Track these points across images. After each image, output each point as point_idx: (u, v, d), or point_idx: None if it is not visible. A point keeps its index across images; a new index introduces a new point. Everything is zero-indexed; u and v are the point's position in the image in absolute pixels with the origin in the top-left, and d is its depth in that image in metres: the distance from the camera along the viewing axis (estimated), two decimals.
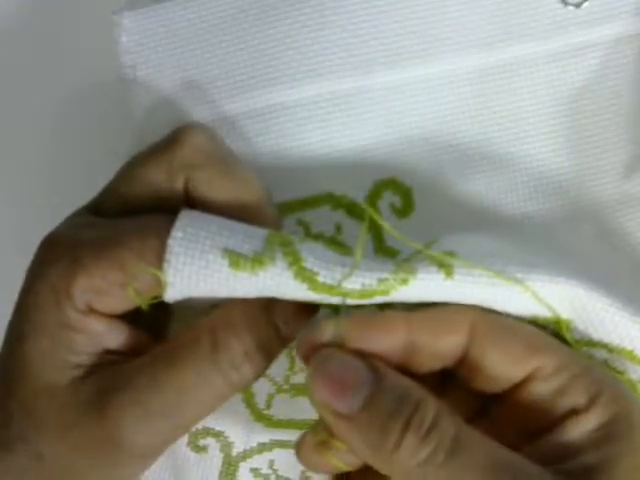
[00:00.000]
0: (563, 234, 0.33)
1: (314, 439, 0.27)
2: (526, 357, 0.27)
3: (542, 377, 0.26)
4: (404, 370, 0.27)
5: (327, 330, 0.26)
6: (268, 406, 0.34)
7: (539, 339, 0.28)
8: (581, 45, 0.33)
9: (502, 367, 0.27)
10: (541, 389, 0.27)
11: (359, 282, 0.27)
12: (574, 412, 0.26)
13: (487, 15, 0.33)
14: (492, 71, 0.33)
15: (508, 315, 0.28)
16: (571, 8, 0.33)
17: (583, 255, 0.33)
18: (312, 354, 0.26)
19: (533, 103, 0.34)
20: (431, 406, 0.25)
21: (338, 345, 0.26)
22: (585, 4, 0.33)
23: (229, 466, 0.34)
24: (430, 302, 0.28)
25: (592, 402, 0.26)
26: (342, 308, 0.27)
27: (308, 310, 0.29)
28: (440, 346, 0.27)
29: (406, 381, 0.26)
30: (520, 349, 0.27)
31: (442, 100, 0.34)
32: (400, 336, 0.26)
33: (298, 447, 0.28)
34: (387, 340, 0.26)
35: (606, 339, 0.29)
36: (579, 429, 0.26)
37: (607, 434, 0.26)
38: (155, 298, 0.28)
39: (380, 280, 0.27)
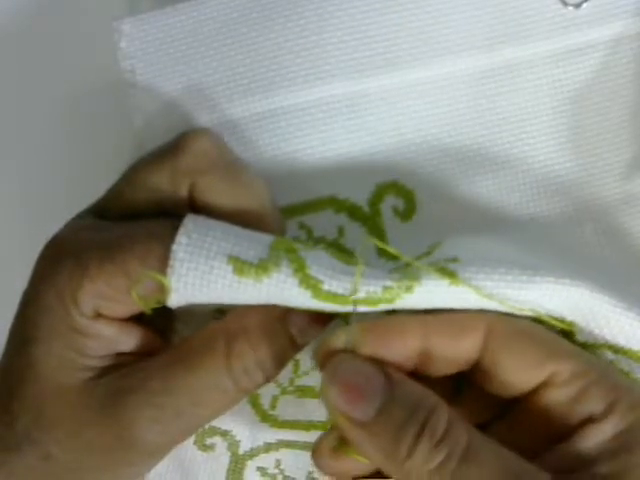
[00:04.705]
0: (567, 234, 0.33)
1: (328, 444, 0.27)
2: (541, 363, 0.26)
3: (558, 383, 0.26)
4: (419, 374, 0.27)
5: (341, 336, 0.26)
6: (273, 407, 0.34)
7: (556, 344, 0.27)
8: (582, 45, 0.33)
9: (517, 372, 0.26)
10: (557, 395, 0.26)
11: (364, 290, 0.27)
12: (590, 420, 0.26)
13: (487, 17, 0.33)
14: (493, 72, 0.33)
15: (525, 318, 0.28)
16: (571, 9, 0.33)
17: (587, 255, 0.33)
18: (327, 360, 0.26)
19: (534, 104, 0.33)
20: (444, 413, 0.25)
21: (352, 351, 0.26)
22: (585, 4, 0.33)
23: (236, 464, 0.34)
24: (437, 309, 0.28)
25: (609, 410, 0.26)
26: (353, 316, 0.27)
27: (323, 319, 0.29)
28: (456, 350, 0.27)
29: (419, 388, 0.26)
30: (536, 354, 0.27)
31: (443, 102, 0.33)
32: (415, 341, 0.26)
33: (314, 452, 0.28)
34: (401, 346, 0.26)
35: (612, 340, 0.29)
36: (595, 437, 0.26)
37: (623, 443, 0.25)
38: (159, 302, 0.28)
39: (385, 288, 0.27)
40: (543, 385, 0.26)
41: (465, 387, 0.29)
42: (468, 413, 0.27)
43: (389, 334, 0.27)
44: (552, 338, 0.28)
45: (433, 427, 0.25)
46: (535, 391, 0.27)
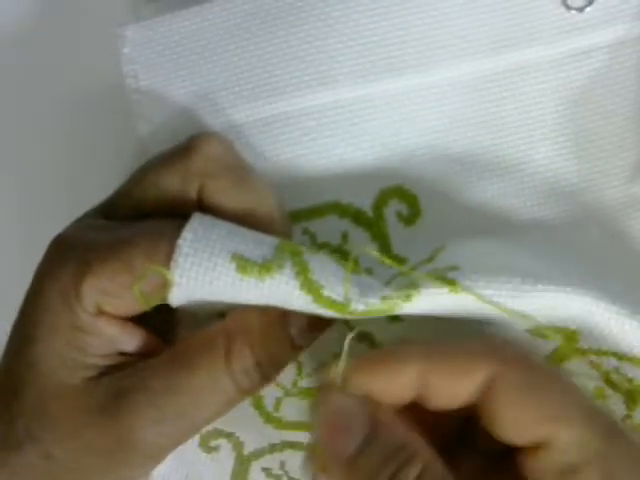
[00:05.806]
0: (572, 238, 0.33)
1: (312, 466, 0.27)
2: (539, 423, 0.25)
3: (553, 449, 0.25)
4: (418, 406, 0.26)
5: (335, 370, 0.26)
6: (277, 409, 0.34)
7: (565, 404, 0.26)
8: (585, 49, 0.33)
9: (512, 426, 0.25)
10: (549, 462, 0.25)
11: (363, 302, 0.27)
12: None
13: (490, 21, 0.33)
14: (497, 77, 0.33)
15: (544, 365, 0.27)
16: (574, 12, 0.33)
17: (591, 260, 0.32)
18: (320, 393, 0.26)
19: (539, 108, 0.33)
20: (419, 463, 0.25)
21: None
22: (587, 8, 0.33)
23: (241, 465, 0.34)
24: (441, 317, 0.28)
25: None
26: (344, 349, 0.26)
27: (323, 322, 0.29)
28: (454, 390, 0.26)
29: (402, 433, 0.26)
30: (536, 412, 0.25)
31: (447, 107, 0.33)
32: (411, 378, 0.26)
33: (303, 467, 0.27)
34: (395, 385, 0.26)
35: (615, 348, 0.28)
36: None
37: None
38: (162, 300, 0.28)
39: (383, 298, 0.27)
40: (538, 447, 0.25)
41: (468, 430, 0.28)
42: (465, 458, 0.27)
43: (382, 371, 0.26)
44: (564, 396, 0.26)
45: (405, 475, 0.24)
46: (530, 451, 0.25)
